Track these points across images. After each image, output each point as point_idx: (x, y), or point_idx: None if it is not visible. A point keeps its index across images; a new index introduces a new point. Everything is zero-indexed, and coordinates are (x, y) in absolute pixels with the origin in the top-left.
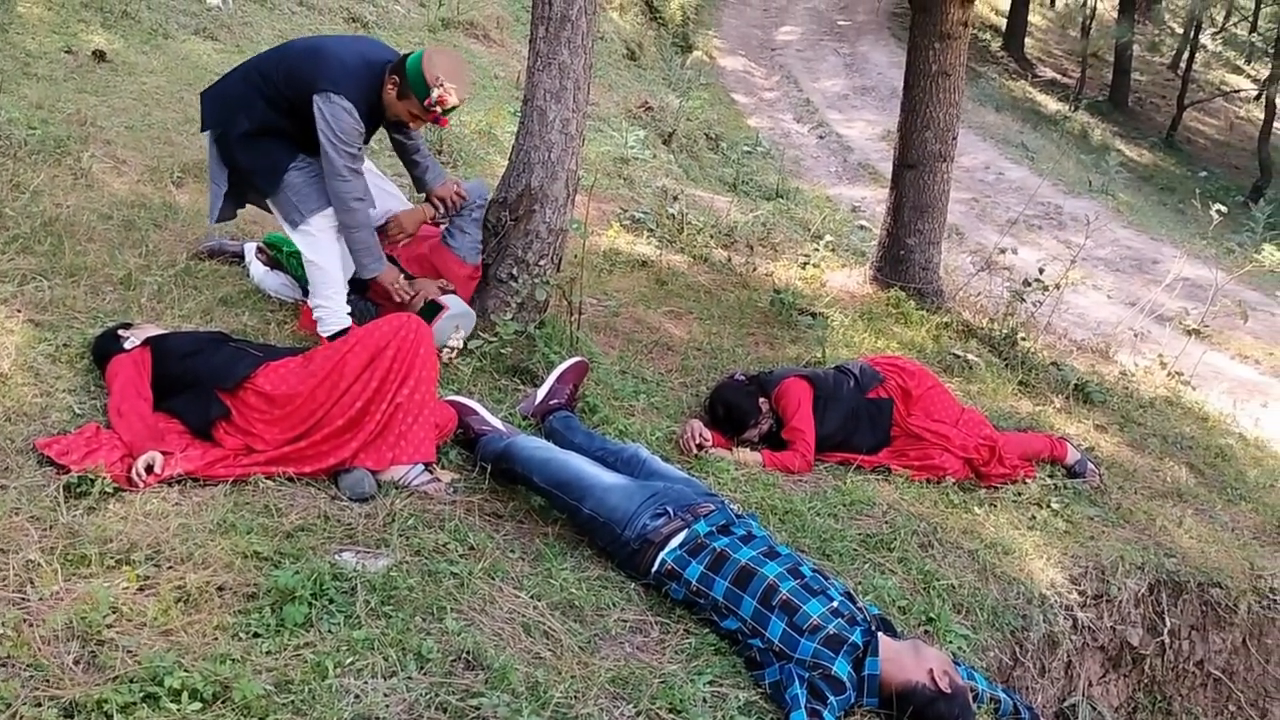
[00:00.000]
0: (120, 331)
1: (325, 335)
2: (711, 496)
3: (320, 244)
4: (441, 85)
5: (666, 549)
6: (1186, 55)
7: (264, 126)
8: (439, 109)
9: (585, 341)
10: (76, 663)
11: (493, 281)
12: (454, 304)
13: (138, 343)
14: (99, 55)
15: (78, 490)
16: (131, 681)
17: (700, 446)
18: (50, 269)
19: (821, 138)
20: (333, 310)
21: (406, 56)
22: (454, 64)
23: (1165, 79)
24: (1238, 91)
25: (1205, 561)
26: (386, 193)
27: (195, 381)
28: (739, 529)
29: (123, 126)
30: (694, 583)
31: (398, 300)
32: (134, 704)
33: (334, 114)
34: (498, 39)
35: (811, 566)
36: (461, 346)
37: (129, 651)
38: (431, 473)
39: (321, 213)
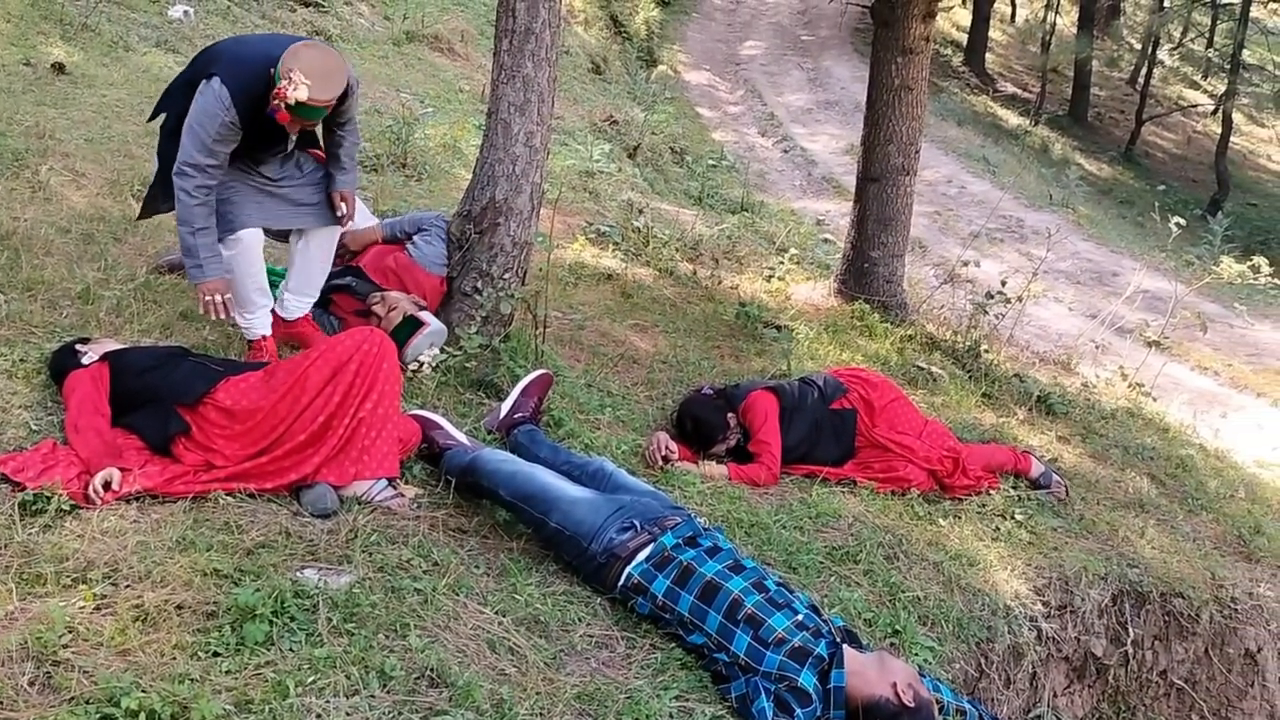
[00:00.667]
0: (78, 346)
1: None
2: (678, 509)
3: (243, 259)
4: (289, 78)
5: (633, 563)
6: (1145, 71)
7: (180, 123)
8: (277, 101)
9: (550, 355)
10: (31, 684)
11: (457, 295)
12: (433, 321)
13: (95, 358)
14: (58, 68)
15: (33, 508)
16: (88, 703)
17: (666, 459)
18: (7, 283)
19: (786, 151)
20: (256, 324)
21: None
22: (320, 61)
23: (1124, 94)
24: (1195, 106)
25: (1167, 571)
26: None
27: (154, 397)
28: (705, 541)
29: (82, 139)
30: (660, 597)
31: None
32: None
33: (203, 98)
34: (462, 52)
35: (776, 580)
36: (432, 364)
37: (85, 672)
38: (395, 488)
39: (248, 229)
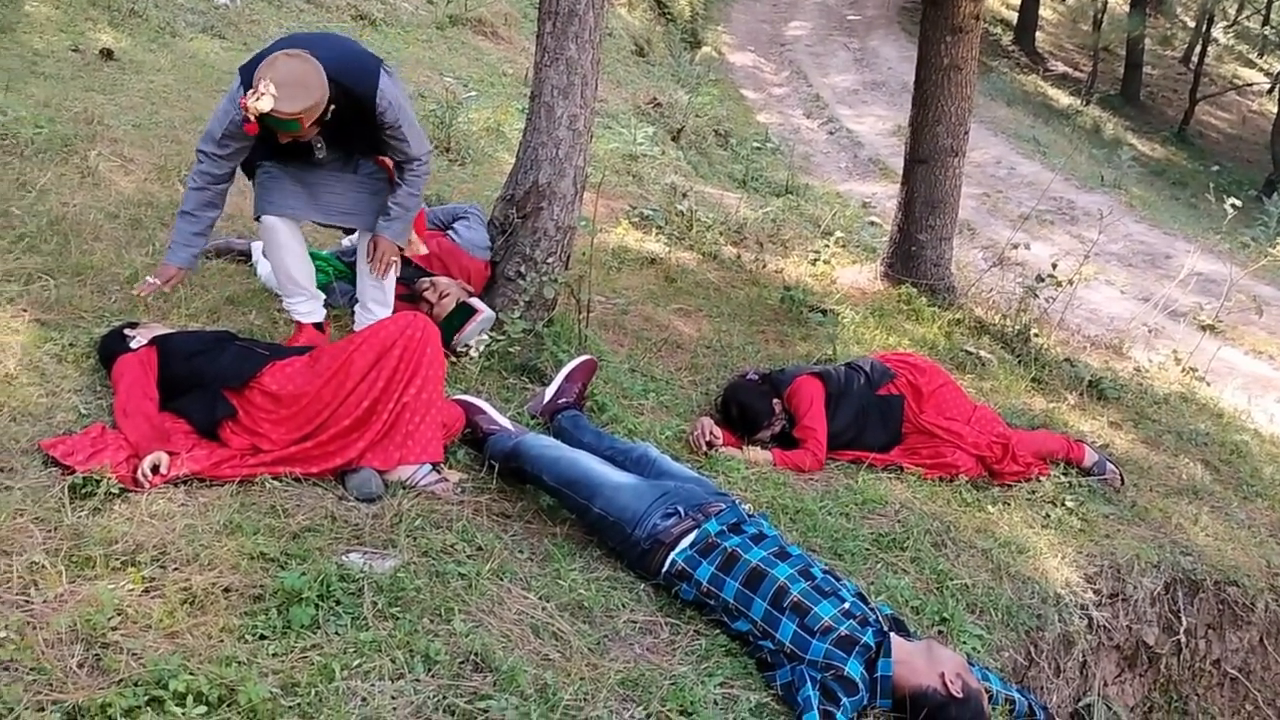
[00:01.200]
0: (126, 331)
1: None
2: (722, 496)
3: (269, 245)
4: (256, 86)
5: (677, 549)
6: (1199, 49)
7: None
8: (250, 116)
9: (594, 340)
10: (80, 666)
11: (500, 279)
12: (485, 309)
13: (144, 342)
14: (106, 54)
15: (83, 491)
16: (136, 685)
17: (710, 444)
18: (56, 268)
19: (832, 133)
20: (296, 310)
21: None
22: (292, 72)
23: (1177, 73)
24: (1250, 85)
25: (1222, 559)
26: None
27: (201, 381)
28: (750, 528)
29: (130, 125)
30: (704, 584)
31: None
32: (138, 708)
33: (227, 93)
34: (506, 35)
35: (823, 567)
36: (479, 350)
37: (133, 654)
38: (439, 472)
39: (270, 215)
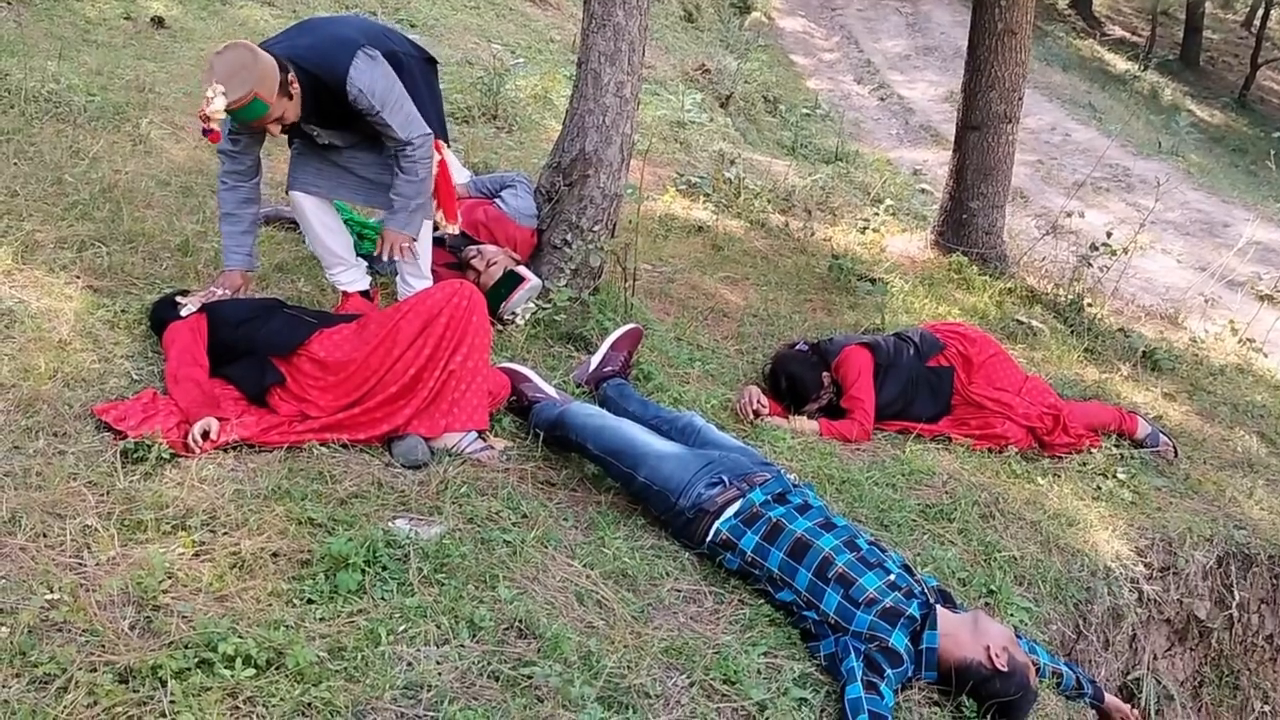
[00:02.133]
0: (177, 299)
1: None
2: (767, 465)
3: (300, 219)
4: (205, 95)
5: (721, 518)
6: (1261, 13)
7: None
8: (211, 126)
9: (640, 308)
10: (132, 628)
11: (547, 247)
12: (532, 277)
13: (194, 309)
14: (158, 21)
15: (134, 456)
16: (186, 647)
17: (757, 414)
18: (109, 235)
19: (882, 99)
20: (338, 280)
21: None
22: (228, 64)
23: (1238, 37)
24: None
25: (1276, 534)
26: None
27: (251, 349)
28: (795, 498)
29: (181, 93)
30: (749, 553)
31: (475, 269)
32: (188, 669)
33: None
34: (554, 2)
35: (868, 539)
36: (525, 318)
37: (184, 617)
38: (485, 440)
39: (295, 191)
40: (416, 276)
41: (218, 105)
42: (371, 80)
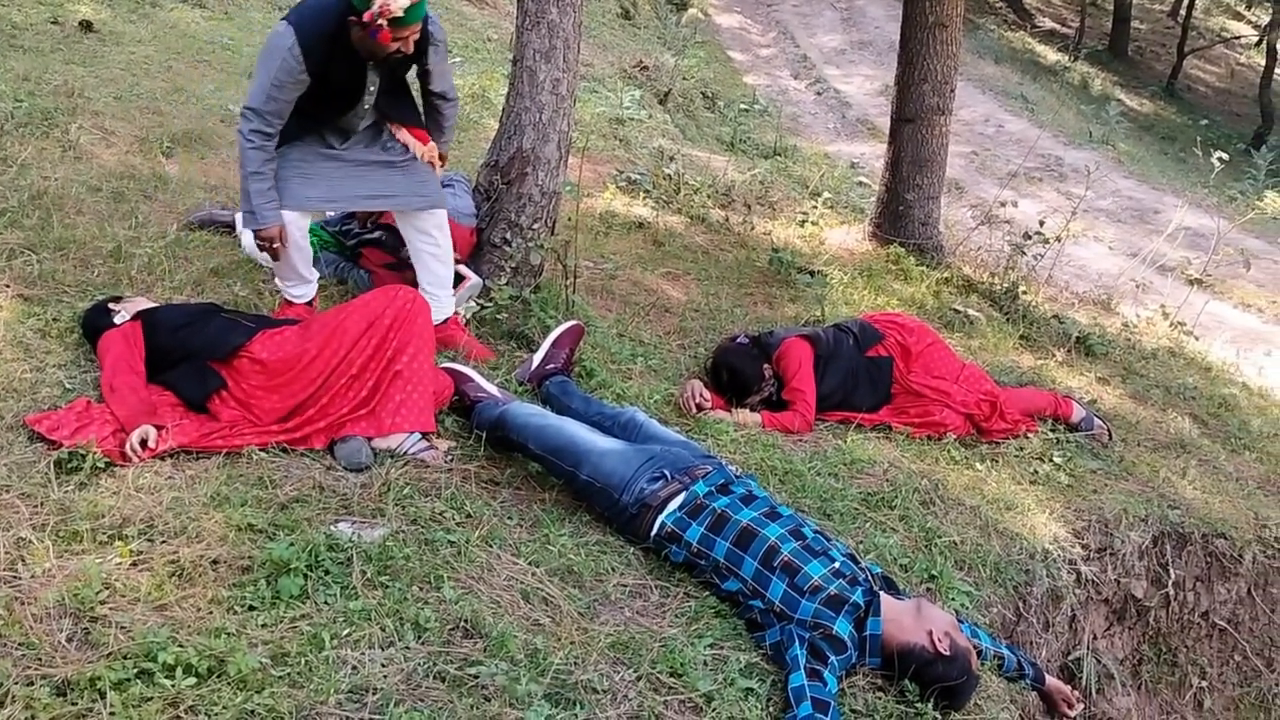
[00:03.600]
0: (110, 305)
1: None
2: (709, 458)
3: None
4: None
5: (665, 512)
6: (1186, 2)
7: None
8: (382, 21)
9: (581, 305)
10: (69, 640)
11: (487, 246)
12: (472, 275)
13: (128, 317)
14: (86, 25)
15: (69, 466)
16: (125, 658)
17: (699, 407)
18: (39, 242)
19: (819, 94)
20: (289, 293)
21: None
22: None
23: (1165, 27)
24: (1238, 38)
25: (1209, 512)
26: None
27: (188, 354)
28: (738, 489)
29: (111, 97)
30: (695, 544)
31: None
32: (128, 680)
33: (269, 41)
34: (490, 1)
35: (814, 528)
36: (468, 317)
37: (122, 628)
38: (428, 441)
39: (290, 209)
40: (439, 286)
41: (403, 2)
42: (442, 31)
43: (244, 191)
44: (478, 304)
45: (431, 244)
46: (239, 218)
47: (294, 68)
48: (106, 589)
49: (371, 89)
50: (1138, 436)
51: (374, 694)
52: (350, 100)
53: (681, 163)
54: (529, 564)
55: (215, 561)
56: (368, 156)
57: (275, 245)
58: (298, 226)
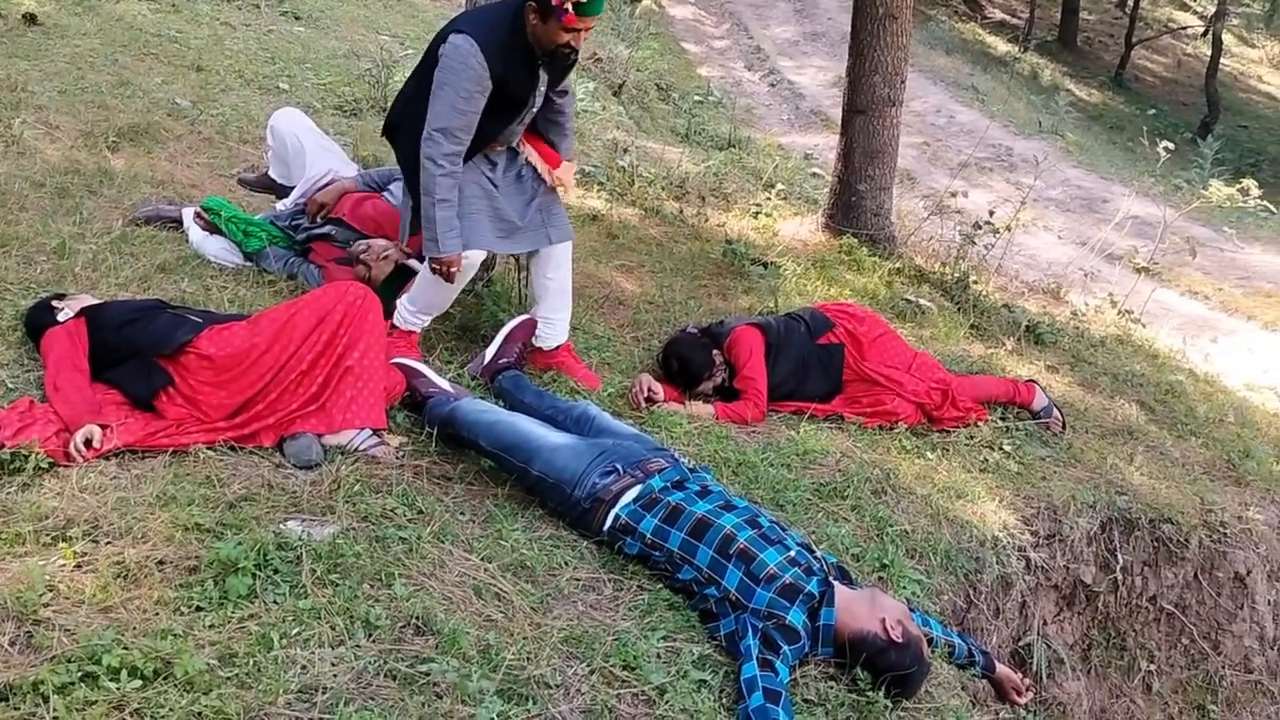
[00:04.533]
0: (54, 303)
1: None
2: (661, 451)
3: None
4: None
5: (619, 505)
6: None
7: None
8: (569, 5)
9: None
10: (12, 644)
11: None
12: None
13: (72, 314)
14: (29, 18)
15: (11, 467)
16: (69, 661)
17: (650, 400)
18: None
19: (773, 85)
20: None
21: None
22: None
23: (1113, 17)
24: (1185, 29)
25: (1156, 498)
26: (326, 150)
27: (134, 351)
28: (693, 484)
29: (55, 91)
30: (649, 535)
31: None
32: (72, 684)
33: (447, 55)
34: None
35: (770, 518)
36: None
37: (66, 630)
38: (379, 436)
39: (474, 251)
40: (557, 310)
41: None
42: None
43: (427, 219)
44: None
45: (559, 276)
46: (186, 212)
47: (481, 75)
48: (50, 591)
49: (541, 88)
50: (1086, 424)
51: (324, 693)
52: (520, 105)
53: (636, 155)
54: (481, 560)
55: (161, 562)
56: (518, 194)
57: (454, 270)
58: (470, 264)
